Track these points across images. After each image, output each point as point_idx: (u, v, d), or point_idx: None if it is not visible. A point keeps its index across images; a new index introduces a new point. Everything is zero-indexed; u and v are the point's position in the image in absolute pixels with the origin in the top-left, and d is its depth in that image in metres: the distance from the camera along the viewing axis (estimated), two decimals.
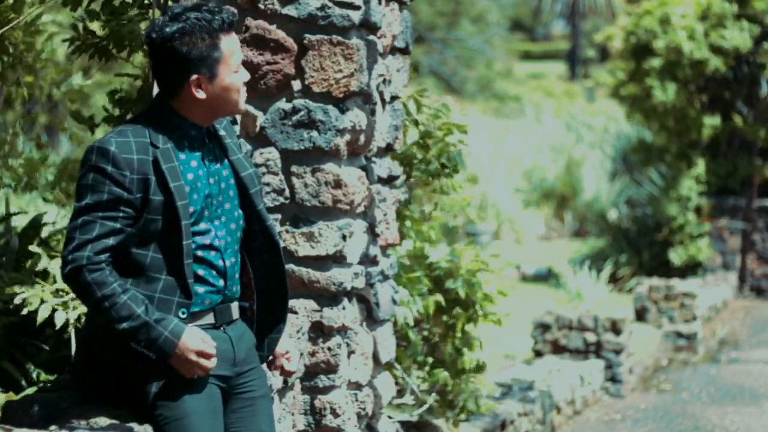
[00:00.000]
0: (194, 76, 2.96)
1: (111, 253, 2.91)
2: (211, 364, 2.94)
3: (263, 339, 3.24)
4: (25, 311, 3.74)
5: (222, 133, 3.15)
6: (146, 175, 2.92)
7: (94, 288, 2.86)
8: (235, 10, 3.06)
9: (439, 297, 5.11)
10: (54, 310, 3.75)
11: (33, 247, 3.96)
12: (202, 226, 3.02)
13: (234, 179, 3.12)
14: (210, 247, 3.03)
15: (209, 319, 3.05)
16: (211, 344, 2.93)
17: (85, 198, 2.90)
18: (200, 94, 2.98)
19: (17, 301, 3.74)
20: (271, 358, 3.32)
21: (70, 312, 3.76)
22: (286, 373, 3.38)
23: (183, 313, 2.96)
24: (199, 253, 3.00)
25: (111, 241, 2.90)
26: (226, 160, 3.12)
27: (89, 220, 2.89)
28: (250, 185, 3.14)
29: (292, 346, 3.37)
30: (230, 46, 3.00)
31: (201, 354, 2.91)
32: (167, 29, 2.94)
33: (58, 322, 3.71)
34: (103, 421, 3.12)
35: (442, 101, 5.15)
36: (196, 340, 2.91)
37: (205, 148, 3.07)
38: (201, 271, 3.01)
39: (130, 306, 2.86)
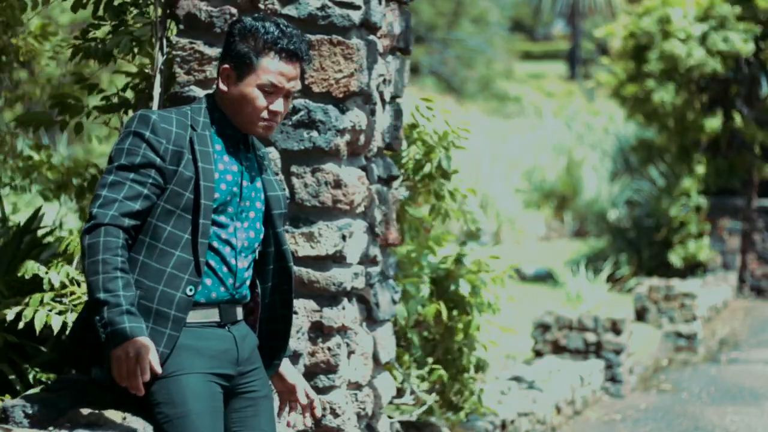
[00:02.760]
0: (226, 66, 3.07)
1: (134, 220, 2.92)
2: (142, 375, 2.83)
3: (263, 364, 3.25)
4: (21, 324, 3.73)
5: (260, 153, 3.22)
6: (181, 149, 2.99)
7: (101, 249, 2.86)
8: (305, 45, 3.09)
9: (440, 305, 5.09)
10: (49, 317, 3.73)
11: (26, 265, 3.93)
12: (223, 218, 3.04)
13: (263, 195, 3.16)
14: (227, 242, 3.05)
15: (214, 316, 3.05)
16: (157, 367, 2.85)
17: (119, 159, 2.96)
18: (222, 86, 3.08)
19: (10, 317, 3.72)
20: (278, 388, 3.33)
21: (69, 315, 3.75)
22: (298, 408, 3.33)
23: (191, 290, 2.97)
24: (215, 244, 3.03)
25: (137, 205, 2.92)
26: (259, 177, 3.16)
27: (119, 181, 2.93)
28: (275, 206, 3.18)
29: (305, 383, 3.34)
30: (272, 66, 3.04)
31: (139, 358, 2.82)
32: (243, 19, 3.08)
33: (55, 326, 3.70)
34: (102, 421, 3.12)
35: (426, 97, 5.13)
36: (145, 348, 2.83)
37: (241, 153, 3.12)
38: (213, 263, 3.02)
39: (118, 284, 2.84)
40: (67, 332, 3.16)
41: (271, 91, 3.06)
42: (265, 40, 3.05)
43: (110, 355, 2.85)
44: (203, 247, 2.98)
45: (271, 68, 3.05)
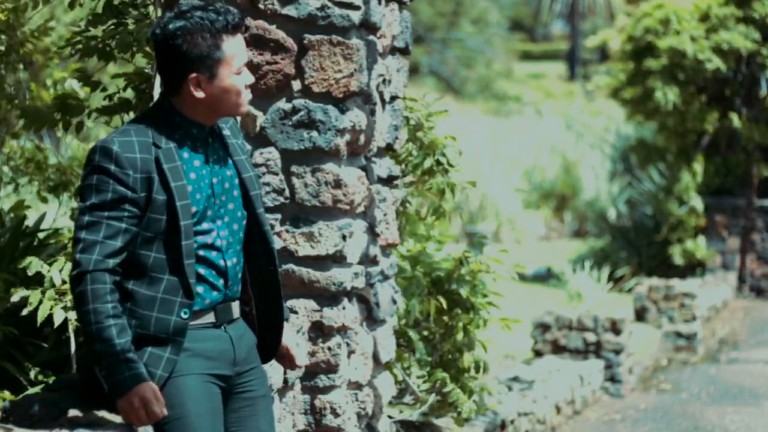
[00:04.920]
0: (193, 75, 2.98)
1: (119, 256, 2.90)
2: (149, 420, 2.90)
3: (265, 341, 3.25)
4: (25, 312, 3.74)
5: (227, 132, 3.16)
6: (149, 174, 2.93)
7: (90, 298, 2.86)
8: (236, 11, 3.05)
9: (439, 300, 5.09)
10: (52, 310, 3.74)
11: (30, 261, 3.93)
12: (204, 225, 3.02)
13: (237, 179, 3.13)
14: (211, 246, 3.03)
15: (210, 318, 3.05)
16: (162, 409, 2.90)
17: (90, 198, 2.90)
18: (199, 94, 2.99)
19: (15, 299, 3.74)
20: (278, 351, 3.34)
21: (70, 312, 3.76)
22: (293, 366, 3.37)
23: (185, 313, 2.96)
24: (201, 252, 3.01)
25: (119, 242, 2.90)
26: (230, 160, 3.13)
27: (95, 221, 2.89)
28: (251, 188, 3.15)
29: (300, 338, 3.37)
30: (233, 47, 3.00)
31: (146, 404, 2.87)
32: (170, 26, 2.96)
33: (57, 320, 3.71)
34: (103, 421, 3.12)
35: (410, 98, 5.12)
36: (149, 393, 2.88)
37: (209, 148, 3.08)
38: (202, 271, 3.01)
39: (113, 333, 2.85)
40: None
41: (242, 69, 3.05)
42: (216, 28, 2.98)
43: (116, 405, 2.90)
44: (190, 268, 2.96)
45: (235, 49, 3.01)
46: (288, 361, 3.36)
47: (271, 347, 3.27)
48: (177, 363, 2.95)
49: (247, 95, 3.07)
